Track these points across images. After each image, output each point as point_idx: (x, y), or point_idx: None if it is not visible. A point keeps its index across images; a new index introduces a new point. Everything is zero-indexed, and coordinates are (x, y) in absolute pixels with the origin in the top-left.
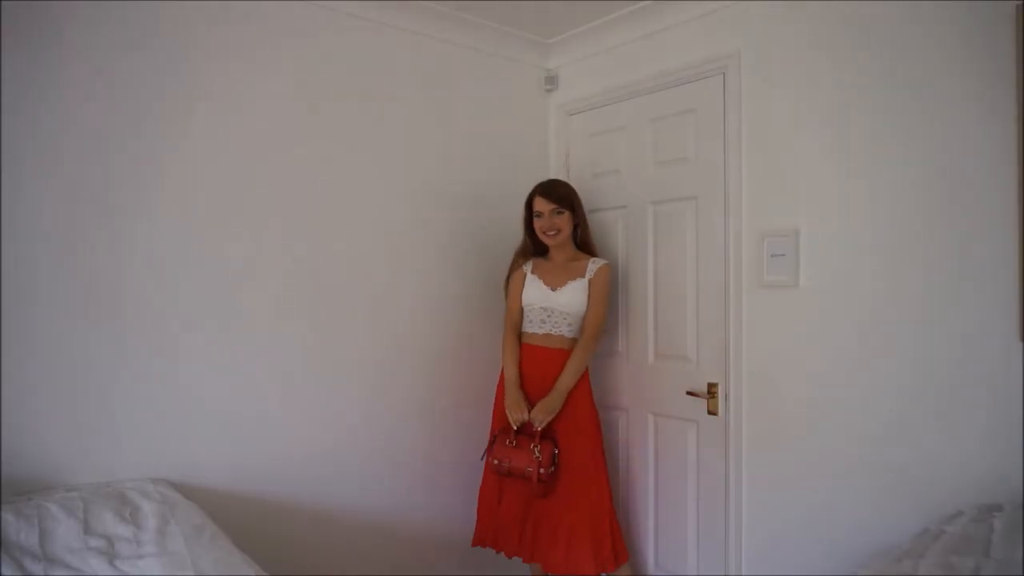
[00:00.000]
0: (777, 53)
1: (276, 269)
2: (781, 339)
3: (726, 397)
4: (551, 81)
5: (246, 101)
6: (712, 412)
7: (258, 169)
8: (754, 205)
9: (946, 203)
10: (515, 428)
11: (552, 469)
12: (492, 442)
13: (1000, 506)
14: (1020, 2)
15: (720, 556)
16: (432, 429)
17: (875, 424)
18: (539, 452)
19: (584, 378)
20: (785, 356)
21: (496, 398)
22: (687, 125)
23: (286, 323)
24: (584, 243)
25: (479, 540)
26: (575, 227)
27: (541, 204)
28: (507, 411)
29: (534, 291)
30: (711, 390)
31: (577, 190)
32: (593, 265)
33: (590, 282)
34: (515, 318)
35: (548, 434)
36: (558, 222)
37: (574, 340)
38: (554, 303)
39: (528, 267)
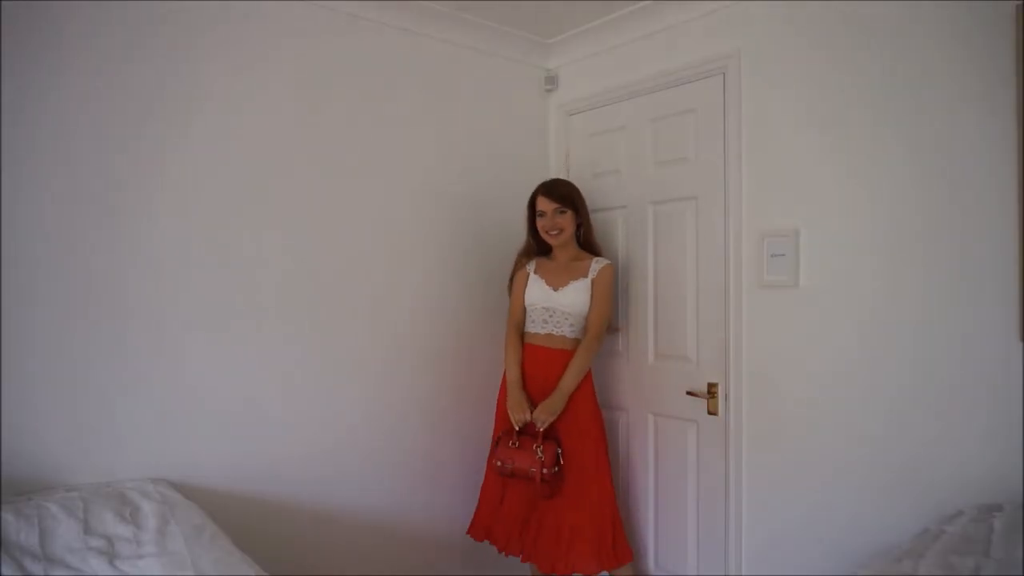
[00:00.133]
0: (777, 53)
1: (276, 269)
2: (781, 339)
3: (726, 397)
4: (551, 81)
5: (246, 101)
6: (712, 412)
7: (258, 169)
8: (754, 205)
9: (946, 203)
10: (517, 429)
11: (556, 469)
12: (496, 443)
13: (1000, 506)
14: (1020, 2)
15: (720, 556)
16: (432, 429)
17: (875, 424)
18: (542, 453)
19: (587, 379)
20: (785, 356)
21: (499, 399)
22: (687, 125)
23: (286, 323)
24: (587, 243)
25: (473, 530)
26: (578, 226)
27: (544, 203)
28: (509, 411)
29: (536, 291)
30: (711, 390)
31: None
32: (596, 265)
33: (593, 282)
34: (518, 318)
35: (551, 434)
36: (560, 221)
37: (576, 340)
38: (556, 303)
39: (531, 267)
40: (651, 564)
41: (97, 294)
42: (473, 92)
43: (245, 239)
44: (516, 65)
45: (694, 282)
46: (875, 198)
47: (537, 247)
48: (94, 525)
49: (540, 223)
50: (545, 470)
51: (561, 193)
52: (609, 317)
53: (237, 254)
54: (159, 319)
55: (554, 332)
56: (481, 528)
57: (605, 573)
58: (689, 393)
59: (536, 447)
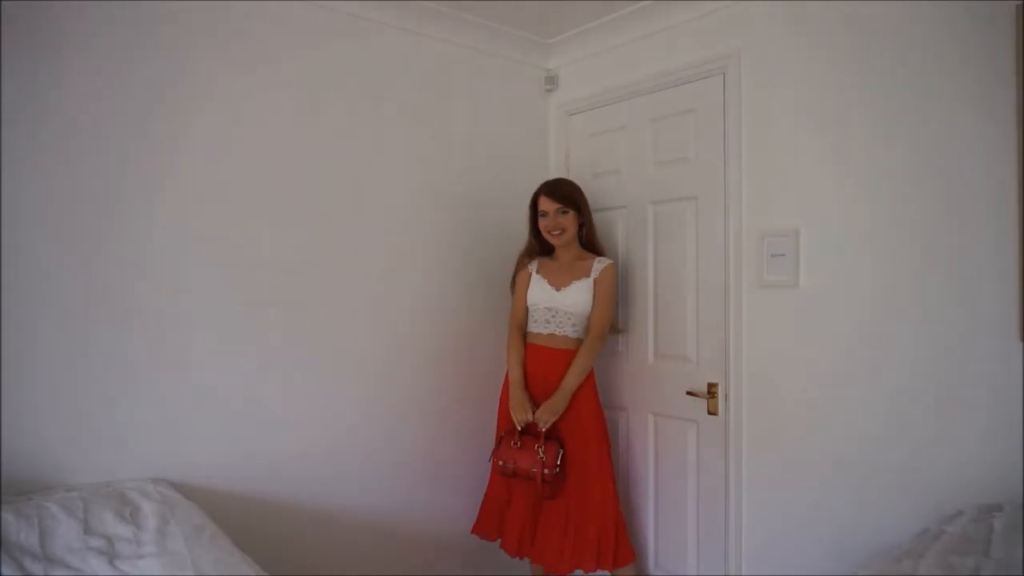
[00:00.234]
0: (777, 53)
1: (276, 269)
2: (781, 339)
3: (726, 397)
4: (551, 81)
5: (246, 101)
6: (712, 412)
7: (258, 169)
8: (754, 205)
9: (945, 203)
10: (519, 429)
11: (557, 470)
12: (498, 443)
13: (1000, 506)
14: (1020, 2)
15: (720, 556)
16: (432, 429)
17: (875, 424)
18: (543, 453)
19: (589, 379)
20: (785, 356)
21: (501, 398)
22: (687, 125)
23: (286, 323)
24: (590, 242)
25: (479, 529)
26: (580, 226)
27: (546, 203)
28: (511, 411)
29: (538, 291)
30: (711, 390)
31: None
32: (598, 264)
33: (595, 282)
34: (520, 318)
35: (553, 435)
36: (563, 222)
37: (579, 340)
38: (558, 303)
39: (533, 267)
40: (651, 564)
41: (97, 294)
42: (473, 92)
43: (245, 239)
44: (516, 65)
45: (694, 282)
46: (875, 198)
47: (539, 247)
48: (94, 525)
49: (542, 223)
50: (547, 470)
51: (563, 193)
52: (611, 317)
53: (237, 254)
54: (159, 319)
55: (556, 332)
56: (487, 527)
57: (607, 573)
58: (689, 393)
59: (538, 447)
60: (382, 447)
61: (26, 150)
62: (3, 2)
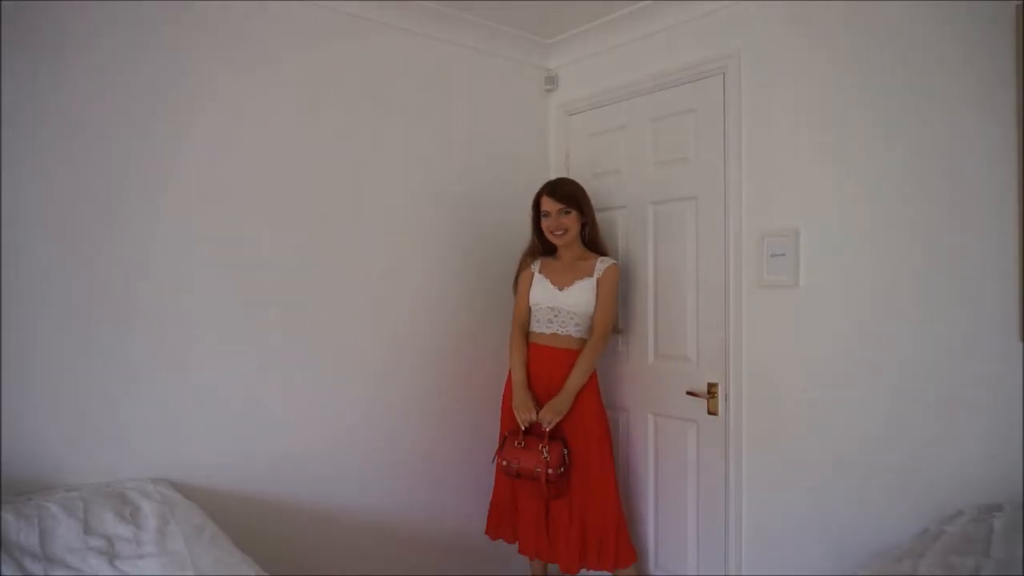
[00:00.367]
0: (777, 53)
1: (277, 269)
2: (781, 339)
3: (726, 397)
4: (551, 81)
5: (247, 101)
6: (712, 412)
7: (259, 168)
8: (754, 205)
9: (946, 203)
10: (523, 429)
11: (562, 470)
12: (502, 444)
13: (1000, 506)
14: (1020, 2)
15: (720, 556)
16: (433, 429)
17: (875, 424)
18: (547, 453)
19: (592, 379)
20: (785, 356)
21: (503, 399)
22: (687, 125)
23: (286, 323)
24: (592, 242)
25: (491, 530)
26: (583, 226)
27: (548, 203)
28: (515, 411)
29: (541, 291)
30: (711, 390)
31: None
32: (601, 264)
33: (598, 281)
34: (522, 317)
35: (557, 435)
36: (565, 221)
37: (581, 340)
38: (561, 303)
39: (536, 266)
40: (651, 564)
41: (98, 294)
42: (473, 92)
43: (246, 239)
44: (516, 65)
45: (694, 282)
46: (875, 198)
47: (542, 247)
48: (94, 525)
49: (545, 223)
50: (551, 470)
51: (565, 193)
52: (615, 317)
53: (238, 254)
54: (160, 319)
55: (559, 332)
56: (500, 530)
57: (608, 574)
58: (689, 393)
59: (542, 447)
60: (382, 447)
61: (26, 150)
62: (3, 2)
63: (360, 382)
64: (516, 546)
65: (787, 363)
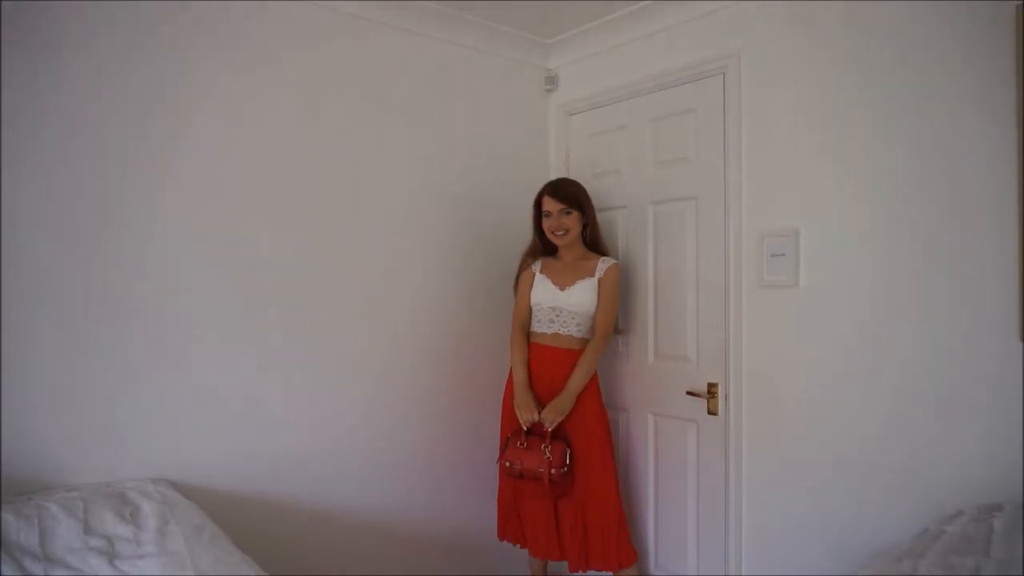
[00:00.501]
0: (777, 53)
1: (276, 269)
2: (781, 339)
3: (726, 397)
4: (551, 81)
5: (246, 101)
6: (712, 412)
7: (258, 169)
8: (754, 205)
9: (946, 203)
10: (525, 429)
11: (564, 470)
12: (505, 445)
13: (1000, 506)
14: (1020, 2)
15: (720, 556)
16: (433, 429)
17: (875, 424)
18: (550, 453)
19: (593, 380)
20: (785, 356)
21: (504, 398)
22: (687, 125)
23: (286, 323)
24: (594, 242)
25: (504, 535)
26: (584, 226)
27: (549, 204)
28: (516, 411)
29: (542, 291)
30: (711, 390)
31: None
32: (603, 264)
33: (600, 281)
34: (523, 317)
35: (559, 434)
36: (566, 222)
37: (583, 340)
38: (563, 303)
39: (537, 267)
40: (651, 564)
41: (97, 294)
42: (473, 92)
43: (245, 239)
44: (516, 65)
45: (694, 282)
46: (875, 198)
47: (543, 247)
48: (94, 525)
49: (546, 223)
50: (553, 470)
51: (567, 193)
52: (616, 317)
53: (237, 254)
54: (159, 319)
55: (561, 332)
56: (505, 530)
57: (609, 574)
58: (689, 393)
59: (544, 447)
60: (382, 447)
61: (26, 150)
62: (3, 2)
63: (360, 382)
64: (518, 546)
65: (787, 363)
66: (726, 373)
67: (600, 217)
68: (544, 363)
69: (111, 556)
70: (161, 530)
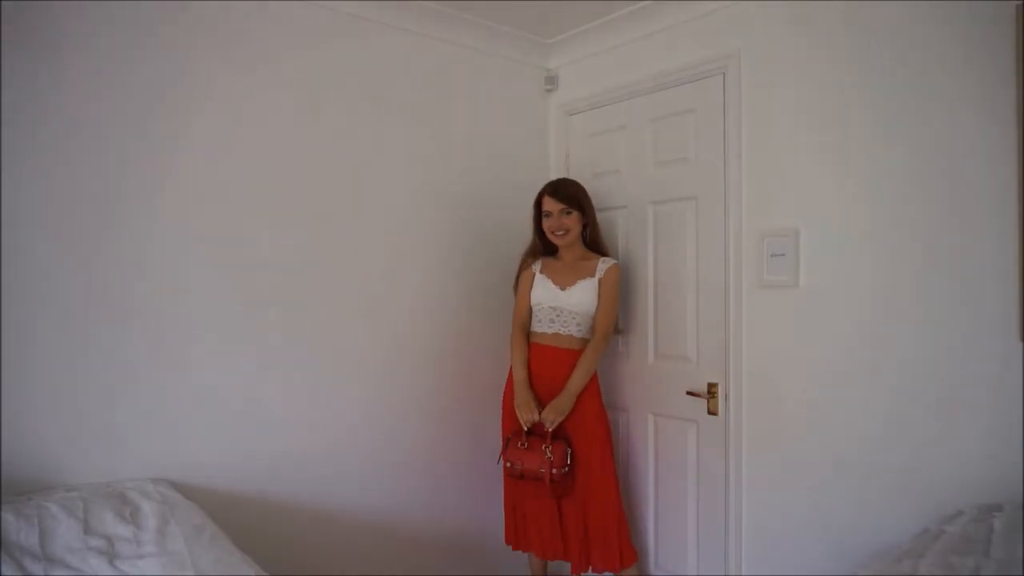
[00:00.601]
0: (777, 53)
1: (276, 269)
2: (781, 339)
3: (726, 397)
4: (551, 81)
5: (246, 101)
6: (712, 412)
7: (258, 169)
8: (754, 205)
9: (946, 203)
10: (525, 429)
11: (566, 470)
12: (505, 445)
13: (1000, 506)
14: (1020, 2)
15: (720, 556)
16: (432, 429)
17: (875, 424)
18: (551, 453)
19: (593, 380)
20: (785, 356)
21: (504, 398)
22: (687, 125)
23: (286, 323)
24: (594, 242)
25: (511, 540)
26: (584, 227)
27: (549, 204)
28: (517, 411)
29: (543, 290)
30: (711, 390)
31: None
32: (603, 265)
33: (600, 282)
34: (523, 317)
35: (560, 434)
36: (567, 222)
37: (583, 340)
38: (564, 302)
39: (537, 267)
40: (651, 564)
41: (97, 294)
42: (473, 92)
43: (245, 239)
44: (516, 65)
45: (694, 282)
46: (875, 198)
47: (543, 247)
48: (94, 525)
49: (546, 223)
50: (555, 470)
51: (567, 193)
52: (616, 317)
53: (237, 254)
54: (159, 319)
55: (561, 331)
56: (512, 537)
57: (610, 574)
58: (689, 393)
59: (545, 447)
60: (382, 447)
61: (26, 150)
62: (3, 2)
63: (360, 382)
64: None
65: (787, 363)
66: (726, 373)
67: (600, 217)
68: (544, 363)
69: (111, 556)
70: (161, 530)
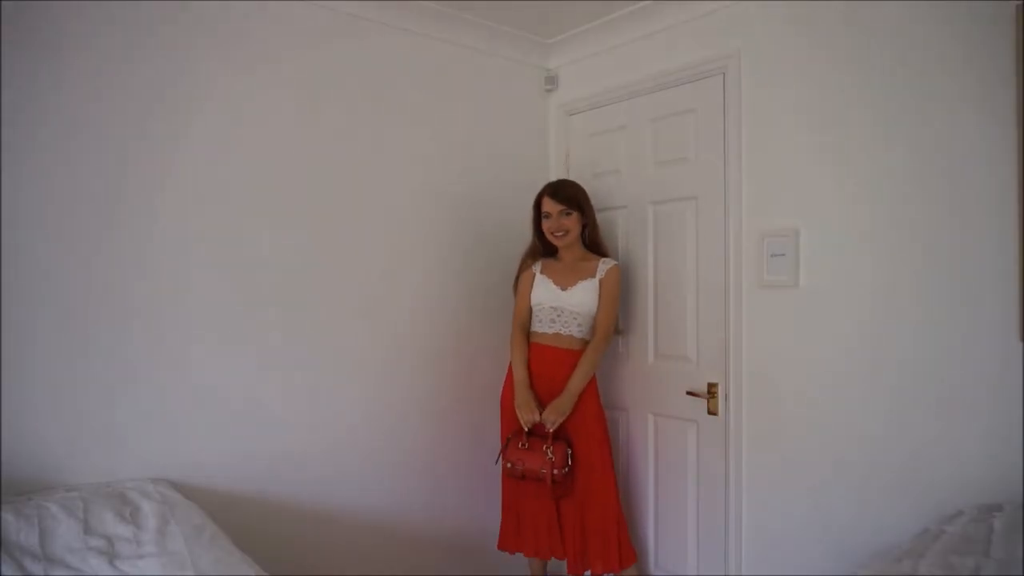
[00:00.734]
0: (777, 53)
1: (276, 269)
2: (781, 339)
3: (726, 397)
4: (551, 81)
5: (246, 101)
6: (712, 412)
7: (258, 169)
8: (754, 205)
9: (946, 203)
10: (526, 429)
11: (566, 470)
12: (505, 445)
13: (1000, 506)
14: (1020, 2)
15: (720, 556)
16: (432, 429)
17: (875, 424)
18: (552, 453)
19: (592, 381)
20: (785, 356)
21: (503, 398)
22: (687, 125)
23: (286, 323)
24: (593, 243)
25: (504, 543)
26: (584, 227)
27: (549, 205)
28: (517, 411)
29: (544, 291)
30: (711, 390)
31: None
32: (603, 265)
33: (601, 282)
34: (523, 318)
35: (560, 435)
36: (566, 223)
37: (583, 340)
38: (564, 303)
39: (537, 267)
40: (651, 564)
41: (97, 294)
42: (473, 92)
43: (245, 239)
44: (516, 65)
45: (694, 282)
46: (875, 198)
47: (543, 248)
48: (94, 525)
49: (546, 224)
50: (556, 471)
51: (567, 194)
52: (616, 318)
53: (237, 254)
54: (159, 319)
55: (562, 332)
56: (508, 541)
57: (610, 574)
58: (689, 393)
59: (546, 448)
60: (382, 447)
61: (26, 150)
62: (3, 2)
63: (360, 382)
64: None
65: (787, 363)
66: (726, 373)
67: (600, 217)
68: (544, 363)
69: (111, 556)
70: (161, 530)
